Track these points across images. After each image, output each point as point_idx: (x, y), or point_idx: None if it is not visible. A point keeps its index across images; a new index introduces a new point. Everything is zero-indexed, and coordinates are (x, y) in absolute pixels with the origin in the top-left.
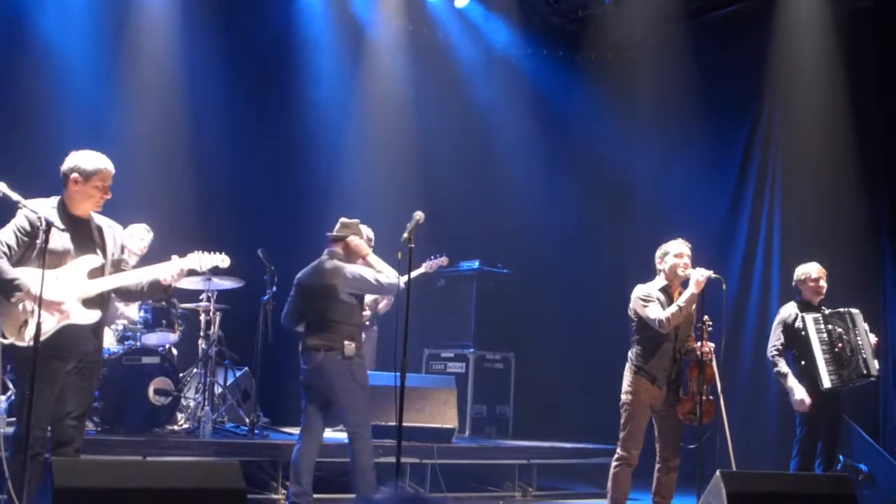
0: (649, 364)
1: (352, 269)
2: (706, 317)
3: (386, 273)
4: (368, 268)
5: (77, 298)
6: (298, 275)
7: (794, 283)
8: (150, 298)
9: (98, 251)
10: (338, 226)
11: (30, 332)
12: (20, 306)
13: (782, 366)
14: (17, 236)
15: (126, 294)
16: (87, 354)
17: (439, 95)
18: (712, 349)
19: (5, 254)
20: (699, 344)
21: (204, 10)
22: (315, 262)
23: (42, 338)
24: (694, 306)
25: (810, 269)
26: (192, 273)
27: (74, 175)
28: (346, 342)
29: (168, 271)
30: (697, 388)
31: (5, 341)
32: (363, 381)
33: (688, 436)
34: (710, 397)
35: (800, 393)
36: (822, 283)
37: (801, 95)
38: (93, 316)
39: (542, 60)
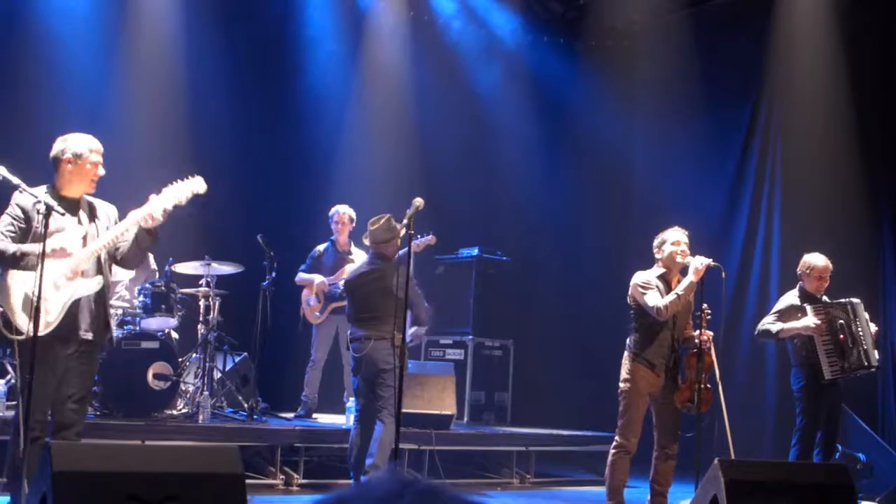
0: (647, 352)
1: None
2: (705, 305)
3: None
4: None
5: (75, 272)
6: (349, 278)
7: (798, 272)
8: (144, 249)
9: (91, 225)
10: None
11: (42, 316)
12: (29, 292)
13: (776, 325)
14: (14, 225)
15: (123, 258)
16: (86, 340)
17: (439, 81)
18: (711, 337)
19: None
20: (698, 332)
21: None
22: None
23: (53, 324)
24: (692, 294)
25: (817, 262)
26: (176, 208)
27: (68, 156)
28: (395, 332)
29: (146, 213)
30: (695, 376)
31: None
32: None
33: (686, 424)
34: (709, 385)
35: (805, 322)
36: (826, 277)
37: (801, 84)
38: (96, 283)
39: (542, 47)
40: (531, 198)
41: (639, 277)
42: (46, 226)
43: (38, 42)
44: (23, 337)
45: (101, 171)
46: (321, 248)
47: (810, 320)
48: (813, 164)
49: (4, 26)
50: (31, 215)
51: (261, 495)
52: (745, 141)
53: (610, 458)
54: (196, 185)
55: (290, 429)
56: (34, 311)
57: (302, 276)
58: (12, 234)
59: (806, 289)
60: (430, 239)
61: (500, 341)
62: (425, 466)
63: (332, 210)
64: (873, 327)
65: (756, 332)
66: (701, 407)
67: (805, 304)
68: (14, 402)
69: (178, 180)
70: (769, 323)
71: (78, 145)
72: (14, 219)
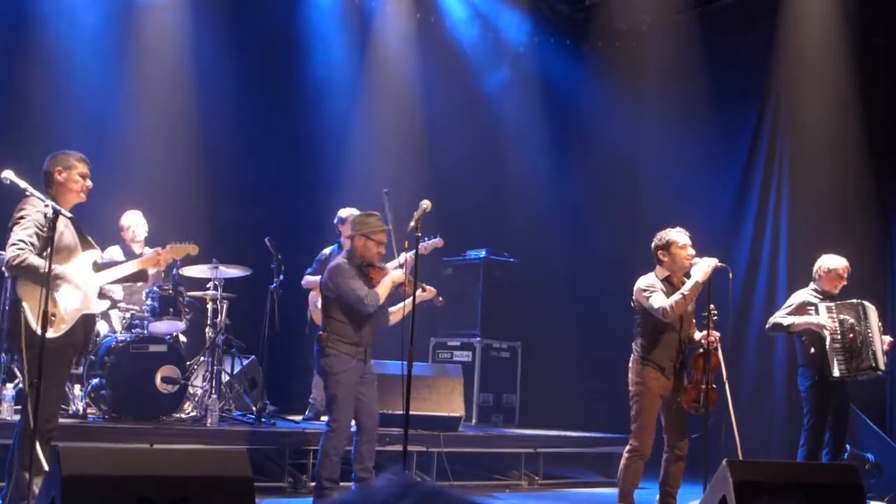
0: (656, 355)
1: (336, 278)
2: (711, 305)
3: (374, 293)
4: (353, 282)
5: (94, 290)
6: None
7: (815, 271)
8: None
9: (94, 245)
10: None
11: (58, 324)
12: (56, 298)
13: (788, 319)
14: (37, 234)
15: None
16: (84, 344)
17: (447, 83)
18: (718, 338)
19: (31, 252)
20: (705, 333)
21: None
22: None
23: (66, 328)
24: (697, 295)
25: (837, 264)
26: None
27: (58, 168)
28: (321, 333)
29: (157, 261)
30: (701, 376)
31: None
32: (336, 371)
33: (693, 425)
34: (714, 386)
35: (818, 318)
36: (846, 276)
37: (808, 84)
38: (104, 305)
39: (548, 49)
40: (539, 199)
41: (641, 281)
42: (53, 228)
43: (45, 47)
44: (53, 335)
45: (90, 184)
46: (327, 251)
47: (823, 317)
48: (820, 165)
49: (12, 33)
50: (48, 223)
51: (269, 498)
52: (753, 142)
53: (624, 460)
54: (192, 250)
55: (299, 431)
56: (42, 316)
57: (308, 279)
58: (37, 249)
59: (822, 288)
60: (437, 241)
61: (507, 343)
62: (433, 468)
63: (344, 213)
64: (887, 338)
65: (768, 326)
66: (707, 407)
67: (818, 302)
68: (20, 406)
69: (177, 243)
70: (781, 317)
71: (68, 160)
72: (38, 227)
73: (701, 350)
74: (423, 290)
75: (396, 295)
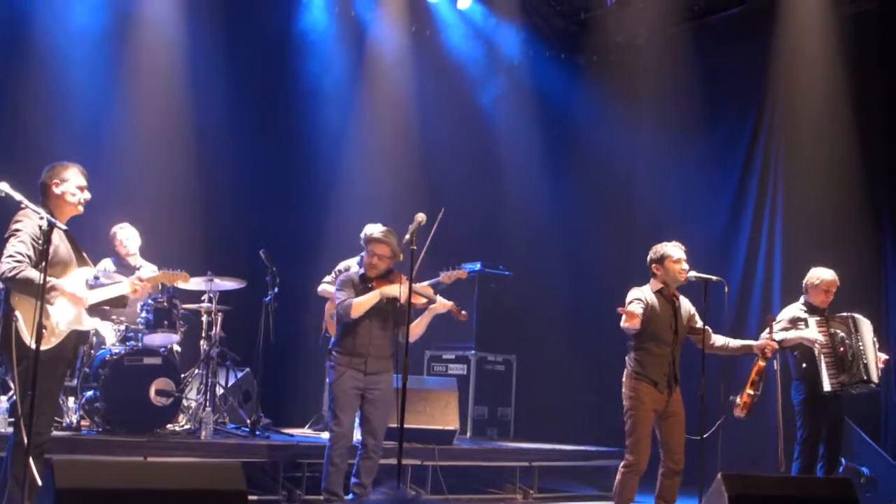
0: (649, 369)
1: (330, 283)
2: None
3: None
4: (340, 291)
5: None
6: None
7: (804, 284)
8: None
9: (88, 262)
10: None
11: (48, 338)
12: (49, 311)
13: (779, 334)
14: (33, 247)
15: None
16: (74, 358)
17: (441, 97)
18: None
19: (28, 265)
20: (762, 342)
21: (207, 9)
22: None
23: (56, 341)
24: (693, 313)
25: (825, 276)
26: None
27: (55, 180)
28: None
29: (141, 286)
30: (758, 384)
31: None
32: (331, 380)
33: (691, 429)
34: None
35: (808, 333)
36: (832, 291)
37: (803, 98)
38: (94, 323)
39: (544, 62)
40: (534, 212)
41: (630, 295)
42: (48, 241)
43: (39, 56)
44: (43, 347)
45: (88, 196)
46: (352, 262)
47: (813, 332)
48: (815, 178)
49: (4, 43)
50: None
51: None
52: (748, 155)
53: (619, 476)
54: (183, 279)
55: (293, 444)
56: (36, 328)
57: (327, 288)
58: (32, 262)
59: (811, 301)
60: (460, 273)
61: (502, 356)
62: (428, 482)
63: (367, 228)
64: (883, 356)
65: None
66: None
67: (808, 317)
68: (13, 419)
69: (169, 269)
70: (773, 332)
71: (64, 171)
72: (34, 239)
73: (762, 362)
74: (433, 301)
75: (417, 311)
